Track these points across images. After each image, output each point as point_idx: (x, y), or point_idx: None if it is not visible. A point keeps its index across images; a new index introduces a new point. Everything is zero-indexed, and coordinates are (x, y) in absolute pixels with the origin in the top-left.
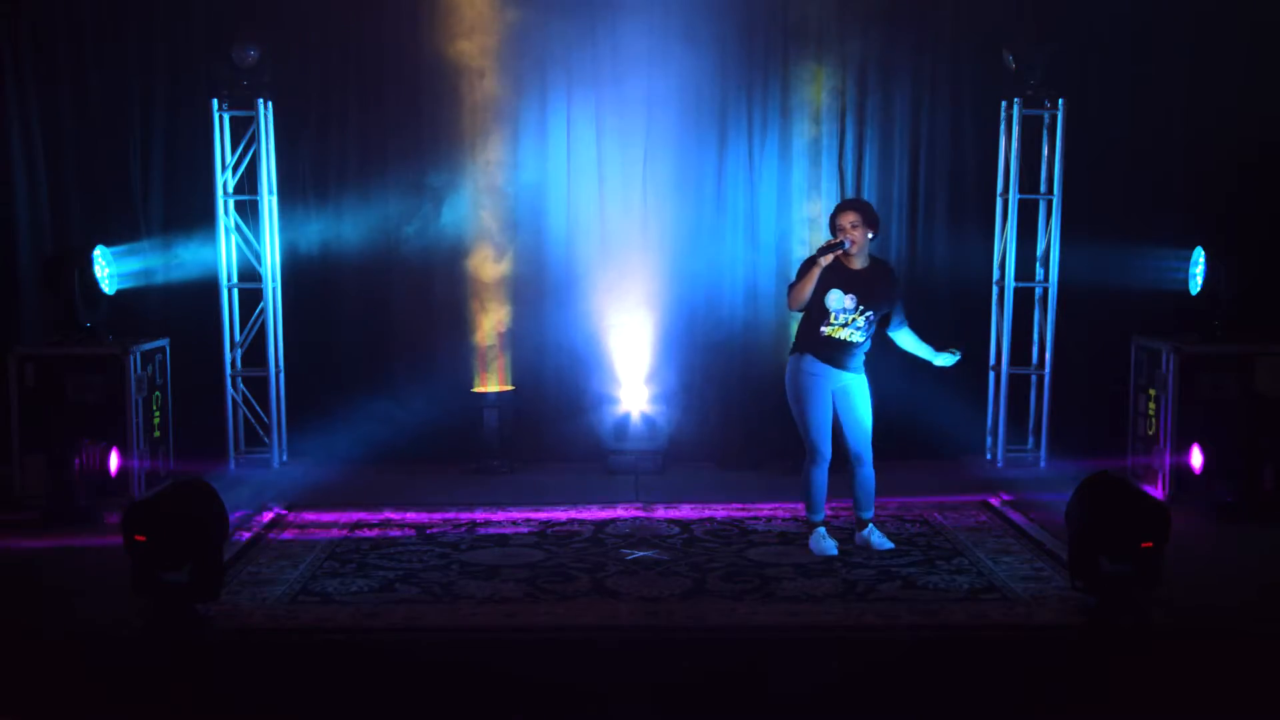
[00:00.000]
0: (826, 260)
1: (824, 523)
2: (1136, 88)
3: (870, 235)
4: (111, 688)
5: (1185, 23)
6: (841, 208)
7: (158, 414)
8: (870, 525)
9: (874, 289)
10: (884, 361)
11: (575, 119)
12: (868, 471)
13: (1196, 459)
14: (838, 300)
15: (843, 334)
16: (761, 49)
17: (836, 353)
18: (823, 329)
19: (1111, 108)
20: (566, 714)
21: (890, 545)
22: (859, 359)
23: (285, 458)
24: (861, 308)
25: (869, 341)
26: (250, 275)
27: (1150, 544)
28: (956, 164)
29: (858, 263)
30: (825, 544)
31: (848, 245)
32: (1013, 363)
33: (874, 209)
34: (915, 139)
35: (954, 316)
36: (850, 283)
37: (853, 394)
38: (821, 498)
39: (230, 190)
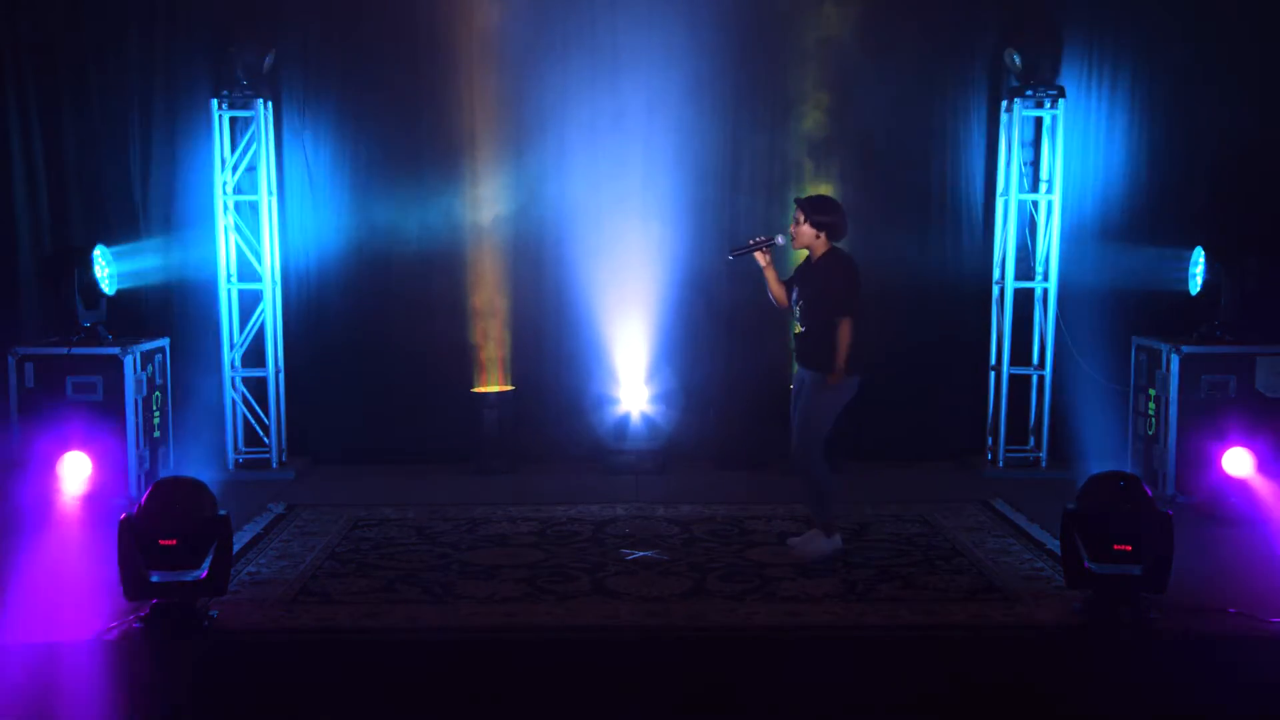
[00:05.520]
0: (759, 259)
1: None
2: (1136, 88)
3: (818, 232)
4: (111, 689)
5: (1186, 22)
6: (795, 202)
7: (157, 414)
8: (815, 530)
9: (814, 279)
10: (883, 361)
11: (574, 119)
12: (802, 475)
13: (1244, 463)
14: (796, 294)
15: (798, 328)
16: (762, 47)
17: (797, 347)
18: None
19: (1111, 108)
20: (567, 714)
21: (826, 552)
22: (813, 355)
23: (284, 458)
24: (799, 299)
25: (823, 336)
26: (250, 275)
27: (1151, 547)
28: (956, 164)
29: (814, 257)
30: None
31: (780, 240)
32: (1013, 363)
33: (827, 205)
34: (915, 139)
35: (954, 316)
36: (801, 275)
37: (804, 393)
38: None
39: (230, 190)
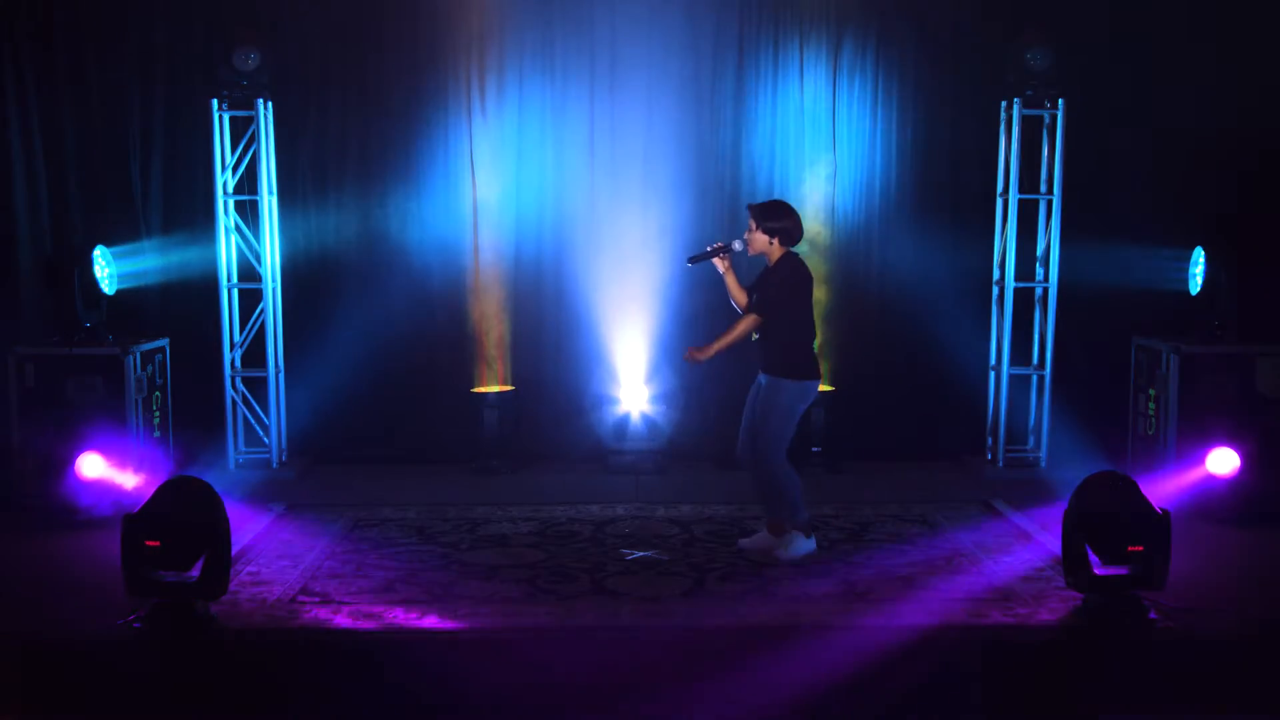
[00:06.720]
0: (718, 264)
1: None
2: (1136, 88)
3: (770, 237)
4: (111, 689)
5: (1185, 23)
6: (748, 208)
7: (158, 414)
8: (762, 530)
9: (760, 284)
10: (884, 360)
11: (574, 118)
12: (751, 474)
13: (1228, 462)
14: (755, 299)
15: (754, 334)
16: (760, 47)
17: (757, 351)
18: None
19: (1111, 108)
20: (566, 714)
21: (810, 551)
22: (769, 359)
23: (284, 458)
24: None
25: (772, 340)
26: (250, 275)
27: (1150, 546)
28: (956, 164)
29: (770, 263)
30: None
31: (738, 246)
32: (1013, 363)
33: (778, 211)
34: (915, 139)
35: (954, 316)
36: (760, 281)
37: (761, 397)
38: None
39: (230, 190)
